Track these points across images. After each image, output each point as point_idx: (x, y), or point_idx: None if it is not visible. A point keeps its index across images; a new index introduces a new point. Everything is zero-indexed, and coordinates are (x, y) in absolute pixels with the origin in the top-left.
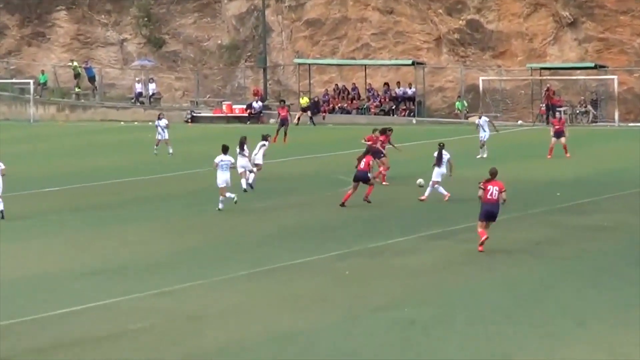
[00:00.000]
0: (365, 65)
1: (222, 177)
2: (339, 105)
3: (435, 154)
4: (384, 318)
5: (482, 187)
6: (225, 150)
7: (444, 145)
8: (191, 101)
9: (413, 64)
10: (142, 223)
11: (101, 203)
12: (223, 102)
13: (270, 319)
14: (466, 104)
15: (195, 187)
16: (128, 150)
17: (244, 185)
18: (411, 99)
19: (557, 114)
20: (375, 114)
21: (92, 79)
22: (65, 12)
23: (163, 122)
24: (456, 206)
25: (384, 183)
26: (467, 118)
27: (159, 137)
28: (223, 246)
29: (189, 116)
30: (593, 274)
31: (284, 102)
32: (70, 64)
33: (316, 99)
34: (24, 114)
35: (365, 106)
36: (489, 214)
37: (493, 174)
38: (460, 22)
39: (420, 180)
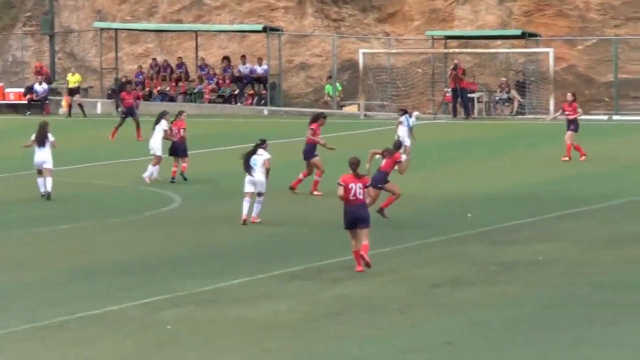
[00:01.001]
0: (196, 31)
1: None
2: (159, 88)
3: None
4: None
5: (341, 183)
6: None
7: (263, 142)
8: None
9: (265, 30)
10: None
11: None
12: None
13: None
14: (340, 88)
15: None
16: None
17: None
18: (262, 80)
19: (569, 96)
20: (210, 102)
21: None
22: None
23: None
24: None
25: (315, 193)
26: (341, 107)
27: None
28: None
29: None
30: (511, 331)
31: (129, 85)
32: None
33: (123, 79)
34: None
35: (196, 90)
36: (356, 219)
37: (353, 166)
38: None
39: None
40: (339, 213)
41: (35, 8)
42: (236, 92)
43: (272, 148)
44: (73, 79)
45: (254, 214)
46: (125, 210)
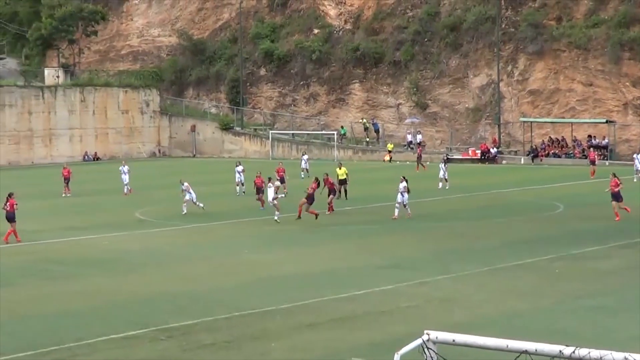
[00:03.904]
0: (571, 122)
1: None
2: (552, 151)
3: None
4: (583, 304)
5: None
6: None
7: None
8: (446, 147)
9: (607, 122)
10: (412, 232)
11: (372, 220)
12: (469, 148)
13: (499, 302)
14: None
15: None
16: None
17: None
18: (605, 147)
19: None
20: (578, 158)
21: (377, 131)
22: (359, 84)
23: (240, 167)
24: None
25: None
26: None
27: (238, 180)
28: (464, 250)
29: (445, 158)
30: None
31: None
32: (361, 120)
33: (534, 147)
34: (330, 155)
35: (571, 152)
36: None
37: None
38: None
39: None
40: None
41: (491, 110)
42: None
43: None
44: (341, 172)
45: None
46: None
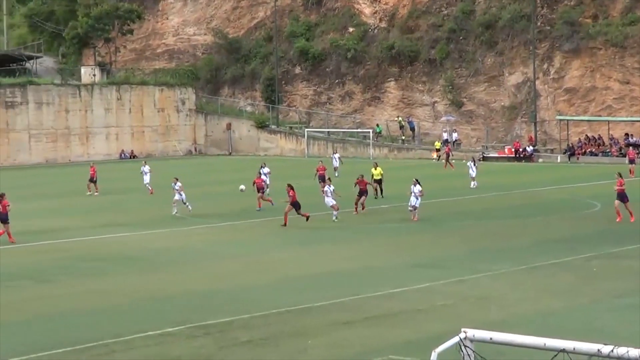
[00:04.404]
0: (608, 121)
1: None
2: (589, 149)
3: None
4: (621, 303)
5: None
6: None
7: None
8: (482, 145)
9: None
10: (446, 231)
11: (407, 218)
12: (505, 147)
13: (535, 301)
14: None
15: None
16: (436, 178)
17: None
18: None
19: None
20: (615, 156)
21: (412, 129)
22: (394, 82)
23: (266, 169)
24: None
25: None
26: None
27: (264, 181)
28: (500, 249)
29: (481, 156)
30: None
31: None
32: (396, 118)
33: (571, 145)
34: (366, 154)
35: (608, 151)
36: None
37: None
38: None
39: (242, 187)
40: None
41: (527, 109)
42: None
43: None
44: (376, 172)
45: None
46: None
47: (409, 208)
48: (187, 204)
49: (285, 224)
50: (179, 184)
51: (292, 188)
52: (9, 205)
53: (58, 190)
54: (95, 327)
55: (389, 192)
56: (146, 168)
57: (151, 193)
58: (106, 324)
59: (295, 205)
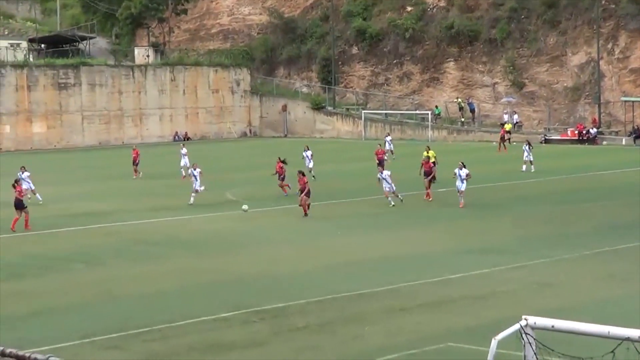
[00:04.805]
0: None
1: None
2: None
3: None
4: None
5: None
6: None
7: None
8: (544, 128)
9: None
10: (500, 216)
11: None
12: (568, 129)
13: (593, 288)
14: None
15: (555, 189)
16: (492, 162)
17: None
18: None
19: None
20: None
21: (472, 111)
22: (453, 63)
23: (309, 152)
24: None
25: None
26: None
27: (307, 165)
28: (559, 235)
29: (543, 139)
30: None
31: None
32: (456, 100)
33: (637, 127)
34: (424, 136)
35: None
36: None
37: None
38: None
39: (244, 207)
40: None
41: (591, 90)
42: None
43: None
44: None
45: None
46: None
47: (458, 192)
48: (201, 188)
49: (305, 214)
50: (198, 169)
51: (303, 175)
52: (25, 191)
53: (109, 173)
54: (148, 311)
55: (444, 176)
56: (184, 150)
57: (183, 178)
58: (159, 309)
59: (303, 191)
